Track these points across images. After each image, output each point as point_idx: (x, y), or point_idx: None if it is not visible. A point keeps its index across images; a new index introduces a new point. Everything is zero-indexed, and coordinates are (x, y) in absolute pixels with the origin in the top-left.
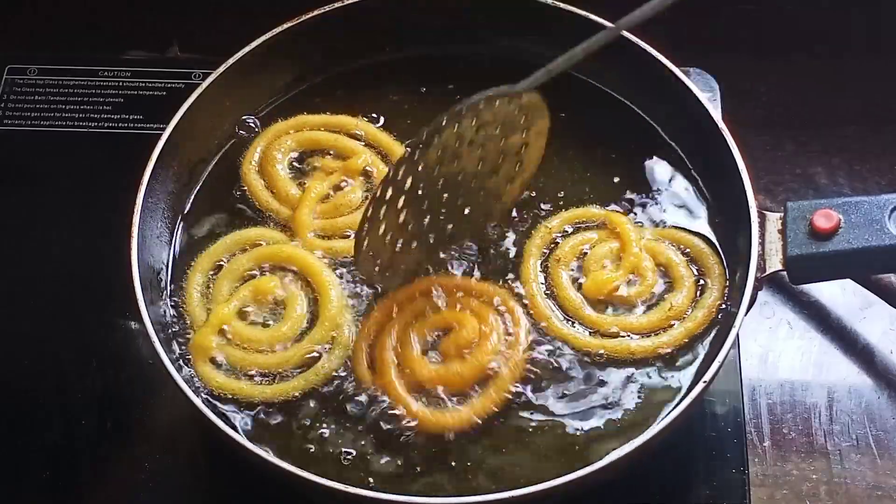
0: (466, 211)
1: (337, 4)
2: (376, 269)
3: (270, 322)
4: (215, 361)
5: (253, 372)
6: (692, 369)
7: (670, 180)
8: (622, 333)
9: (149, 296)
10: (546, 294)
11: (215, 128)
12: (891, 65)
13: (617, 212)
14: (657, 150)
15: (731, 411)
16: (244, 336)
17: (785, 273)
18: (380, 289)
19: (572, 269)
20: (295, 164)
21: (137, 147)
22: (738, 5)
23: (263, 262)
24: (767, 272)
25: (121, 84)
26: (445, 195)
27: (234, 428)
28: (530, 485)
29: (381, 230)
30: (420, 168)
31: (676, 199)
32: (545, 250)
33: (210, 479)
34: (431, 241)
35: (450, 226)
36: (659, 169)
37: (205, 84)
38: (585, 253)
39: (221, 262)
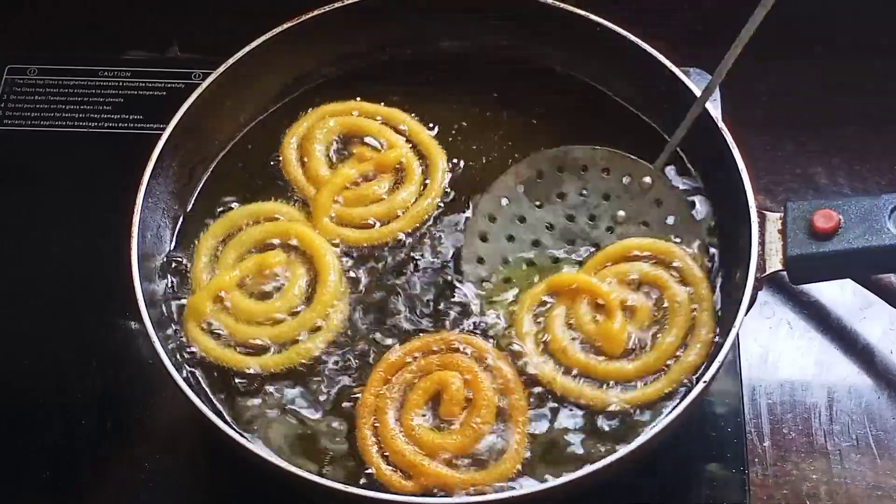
0: None
1: (337, 4)
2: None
3: (269, 296)
4: (207, 327)
5: (239, 342)
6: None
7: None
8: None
9: (149, 296)
10: (573, 376)
11: (215, 128)
12: (891, 65)
13: (573, 267)
14: (657, 150)
15: (731, 411)
16: (239, 306)
17: (785, 273)
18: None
19: (576, 341)
20: (334, 146)
21: (137, 147)
22: (739, 5)
23: (273, 236)
24: (767, 272)
25: (121, 84)
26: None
27: (226, 421)
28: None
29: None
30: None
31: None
32: (536, 331)
33: (210, 479)
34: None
35: None
36: None
37: (205, 84)
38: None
39: (234, 231)
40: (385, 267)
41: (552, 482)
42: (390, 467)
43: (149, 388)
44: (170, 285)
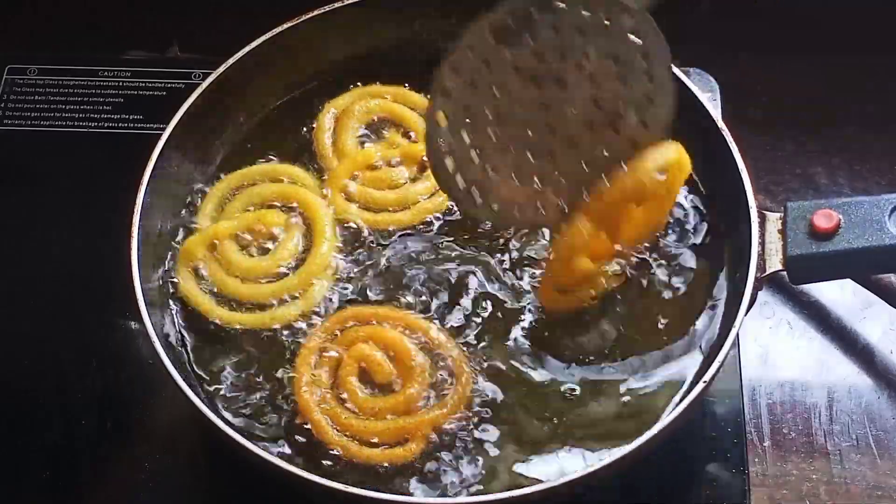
0: (577, 163)
1: (337, 4)
2: (459, 182)
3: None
4: (197, 272)
5: (219, 291)
6: (692, 369)
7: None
8: None
9: (149, 296)
10: None
11: (215, 128)
12: (891, 65)
13: None
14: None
15: (731, 411)
16: (228, 257)
17: (785, 273)
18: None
19: None
20: (371, 126)
21: (137, 147)
22: (739, 5)
23: (281, 197)
24: (767, 272)
25: (121, 84)
26: (549, 124)
27: (219, 415)
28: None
29: (459, 127)
30: (500, 57)
31: (676, 199)
32: None
33: (210, 479)
34: (537, 182)
35: (556, 171)
36: None
37: (205, 84)
38: None
39: (251, 185)
40: (381, 255)
41: (552, 482)
42: (387, 447)
43: (149, 388)
44: (171, 284)
